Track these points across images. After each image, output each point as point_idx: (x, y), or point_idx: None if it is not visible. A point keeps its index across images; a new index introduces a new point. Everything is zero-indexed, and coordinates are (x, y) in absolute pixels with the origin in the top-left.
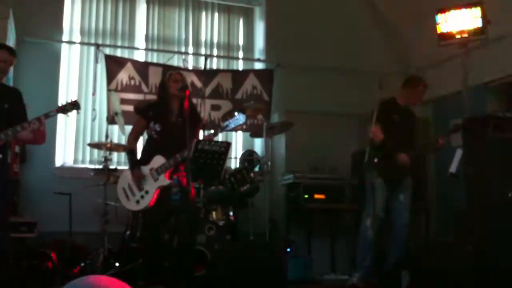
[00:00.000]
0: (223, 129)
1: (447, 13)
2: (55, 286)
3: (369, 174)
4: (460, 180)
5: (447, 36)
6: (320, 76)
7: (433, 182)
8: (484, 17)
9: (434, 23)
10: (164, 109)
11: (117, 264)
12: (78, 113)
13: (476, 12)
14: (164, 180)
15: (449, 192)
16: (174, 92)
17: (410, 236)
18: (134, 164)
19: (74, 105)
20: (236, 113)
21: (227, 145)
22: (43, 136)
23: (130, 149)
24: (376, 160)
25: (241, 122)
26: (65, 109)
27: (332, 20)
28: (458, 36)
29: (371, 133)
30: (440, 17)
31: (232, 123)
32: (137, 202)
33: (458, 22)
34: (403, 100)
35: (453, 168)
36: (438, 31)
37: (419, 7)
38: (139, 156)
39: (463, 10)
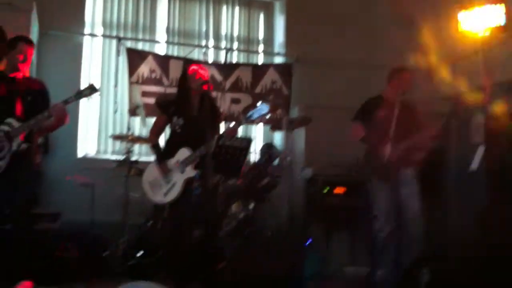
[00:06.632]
0: (247, 119)
1: (469, 10)
2: (78, 276)
3: (368, 175)
4: (480, 178)
5: (469, 34)
6: (339, 70)
7: (453, 179)
8: (508, 14)
9: (456, 20)
10: (186, 104)
11: (137, 255)
12: (96, 93)
13: (500, 9)
14: (191, 171)
15: (469, 189)
16: (194, 87)
17: (426, 230)
18: (160, 157)
19: (91, 89)
20: (258, 103)
21: (248, 141)
22: (65, 119)
23: (154, 144)
24: (366, 159)
25: (264, 112)
26: (83, 93)
27: (351, 15)
28: (480, 34)
29: (351, 132)
30: (462, 14)
31: (255, 113)
32: (165, 194)
33: (481, 19)
34: (392, 94)
35: (474, 165)
36: (460, 29)
37: (441, 3)
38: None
39: (487, 6)
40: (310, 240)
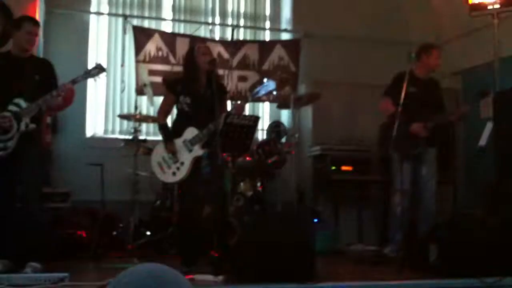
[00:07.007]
0: (253, 96)
1: None
2: (89, 254)
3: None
4: (488, 154)
5: (479, 7)
6: (347, 46)
7: (461, 154)
8: None
9: None
10: (193, 82)
11: (147, 233)
12: (103, 73)
13: None
14: (198, 150)
15: (477, 165)
16: (202, 65)
17: (438, 209)
18: (168, 138)
19: (99, 69)
20: (265, 80)
21: (255, 119)
22: (72, 99)
23: (161, 124)
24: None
25: (271, 88)
26: (91, 73)
27: None
28: (490, 7)
29: (380, 106)
30: None
31: (262, 89)
32: (174, 174)
33: None
34: (421, 70)
35: (482, 141)
36: (470, 1)
37: None
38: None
39: None
40: (317, 220)
